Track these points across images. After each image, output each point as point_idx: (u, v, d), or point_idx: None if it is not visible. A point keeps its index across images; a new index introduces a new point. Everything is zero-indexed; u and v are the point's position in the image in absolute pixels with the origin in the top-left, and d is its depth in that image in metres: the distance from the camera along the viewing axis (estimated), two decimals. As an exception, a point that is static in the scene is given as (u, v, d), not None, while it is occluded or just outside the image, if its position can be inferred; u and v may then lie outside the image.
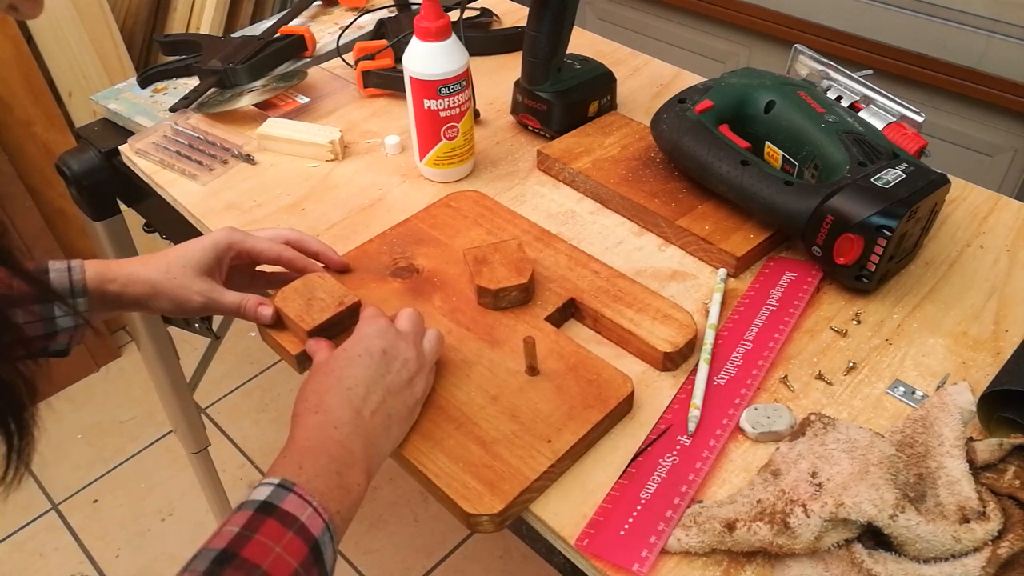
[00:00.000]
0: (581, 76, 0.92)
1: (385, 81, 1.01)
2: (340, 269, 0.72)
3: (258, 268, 0.72)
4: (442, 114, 0.81)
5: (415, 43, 0.79)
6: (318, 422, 0.53)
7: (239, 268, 0.70)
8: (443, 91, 0.79)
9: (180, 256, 0.65)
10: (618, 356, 0.67)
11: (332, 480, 0.49)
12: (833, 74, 0.87)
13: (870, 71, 0.87)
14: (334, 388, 0.55)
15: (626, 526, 0.54)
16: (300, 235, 0.71)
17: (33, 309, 0.61)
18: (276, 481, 0.47)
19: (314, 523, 0.46)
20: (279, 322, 0.66)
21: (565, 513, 0.56)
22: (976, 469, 0.55)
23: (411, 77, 0.80)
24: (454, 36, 0.79)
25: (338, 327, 0.66)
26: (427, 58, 0.78)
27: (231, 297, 0.66)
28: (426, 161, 0.86)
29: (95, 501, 1.66)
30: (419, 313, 0.63)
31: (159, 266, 0.65)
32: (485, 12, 1.18)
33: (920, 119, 0.81)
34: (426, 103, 0.80)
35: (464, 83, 0.81)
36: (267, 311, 0.65)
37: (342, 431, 0.52)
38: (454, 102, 0.81)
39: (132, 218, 1.08)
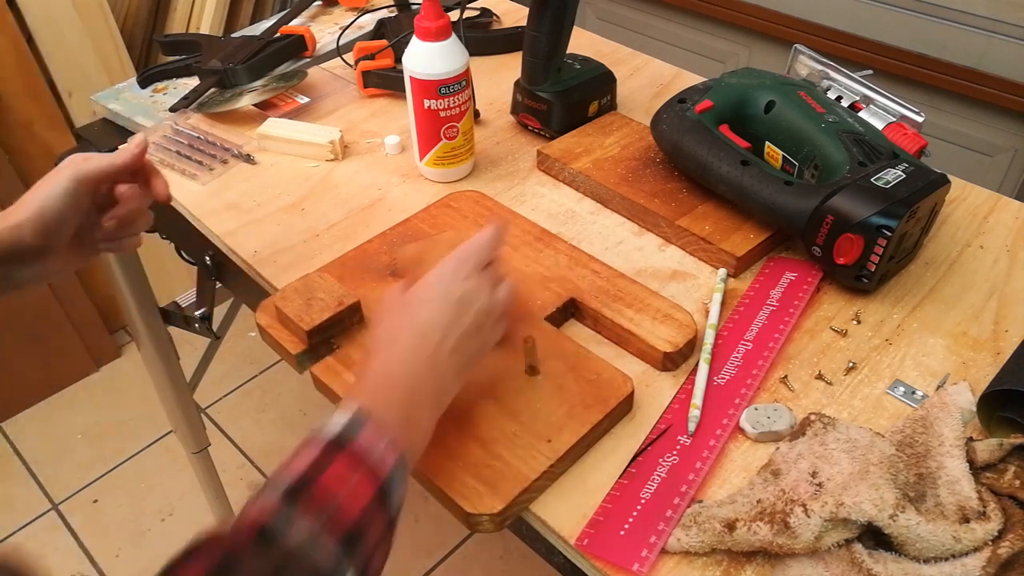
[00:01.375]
0: (581, 76, 0.92)
1: (385, 81, 1.01)
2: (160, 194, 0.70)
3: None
4: (442, 114, 0.81)
5: (415, 43, 0.79)
6: (392, 360, 0.53)
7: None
8: (443, 91, 0.79)
9: (37, 211, 0.62)
10: (618, 356, 0.67)
11: (403, 418, 0.49)
12: (833, 74, 0.87)
13: (870, 71, 0.87)
14: (408, 329, 0.54)
15: (626, 526, 0.54)
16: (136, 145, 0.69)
17: None
18: (349, 414, 0.47)
19: (384, 461, 0.46)
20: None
21: (565, 513, 0.56)
22: (976, 469, 0.55)
23: (411, 77, 0.80)
24: (454, 36, 0.79)
25: (338, 327, 0.66)
26: (427, 58, 0.78)
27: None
28: (426, 161, 0.86)
29: (95, 501, 1.66)
30: (498, 259, 0.62)
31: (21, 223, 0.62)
32: (485, 12, 1.18)
33: (920, 119, 0.81)
34: (426, 103, 0.80)
35: (464, 83, 0.81)
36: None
37: (414, 370, 0.52)
38: (454, 102, 0.81)
39: (132, 218, 1.08)
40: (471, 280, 0.57)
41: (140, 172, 0.69)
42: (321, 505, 0.42)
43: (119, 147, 0.67)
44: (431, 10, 0.77)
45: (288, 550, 0.40)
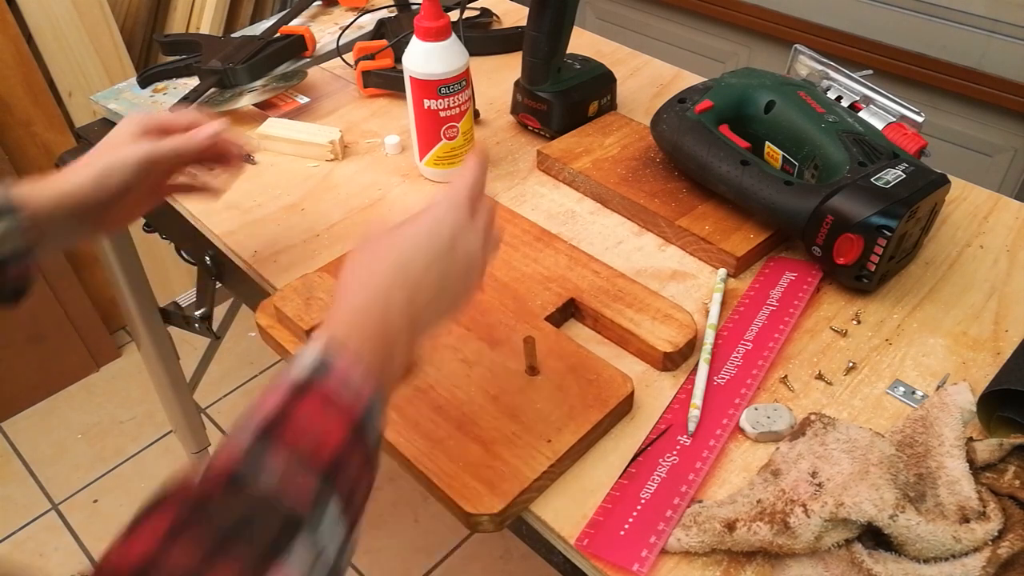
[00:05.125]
0: (581, 76, 0.92)
1: (385, 81, 1.01)
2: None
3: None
4: (442, 114, 0.81)
5: (415, 43, 0.79)
6: (368, 290, 0.49)
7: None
8: (443, 91, 0.79)
9: (100, 175, 0.65)
10: (618, 356, 0.67)
11: (378, 350, 0.47)
12: (833, 74, 0.87)
13: (870, 71, 0.87)
14: (388, 259, 0.51)
15: (626, 526, 0.54)
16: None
17: None
18: (320, 348, 0.44)
19: (360, 394, 0.43)
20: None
21: (565, 513, 0.56)
22: (976, 469, 0.55)
23: (411, 77, 0.80)
24: (454, 36, 0.79)
25: (338, 327, 0.66)
26: (427, 58, 0.78)
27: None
28: (426, 161, 0.86)
29: (95, 501, 1.66)
30: (494, 203, 0.59)
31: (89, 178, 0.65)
32: (485, 12, 1.18)
33: (920, 119, 0.81)
34: (426, 103, 0.80)
35: (464, 83, 0.81)
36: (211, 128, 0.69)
37: (392, 302, 0.49)
38: (454, 102, 0.81)
39: (132, 218, 1.08)
40: (465, 221, 0.54)
41: (211, 149, 0.71)
42: (294, 444, 0.40)
43: (189, 123, 0.70)
44: (431, 10, 0.77)
45: (260, 494, 0.38)
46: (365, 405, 0.44)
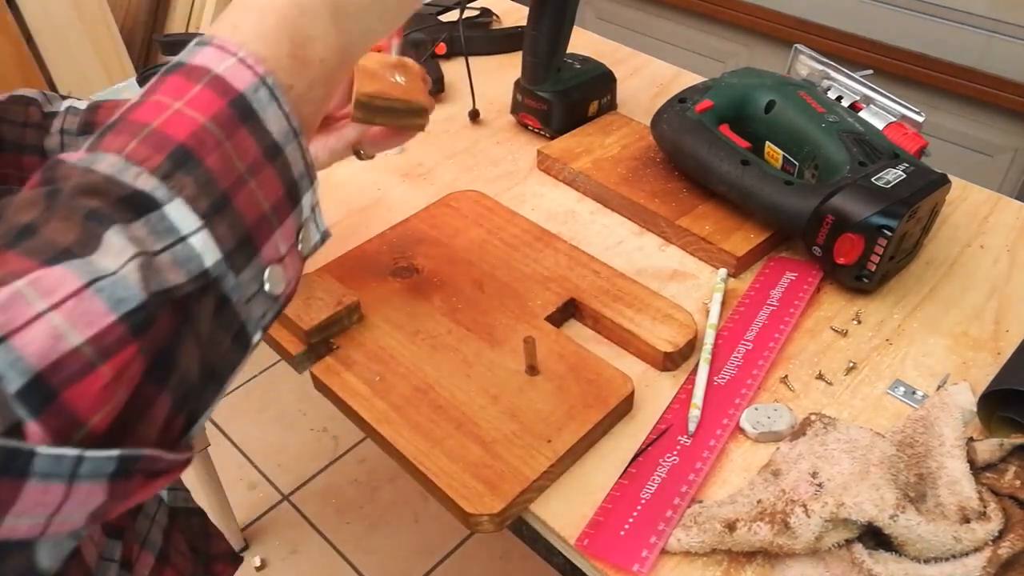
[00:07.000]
0: (581, 76, 0.92)
1: (385, 81, 1.01)
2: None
3: None
4: None
5: None
6: None
7: None
8: None
9: None
10: (618, 356, 0.67)
11: (280, 47, 0.37)
12: (833, 74, 0.87)
13: (870, 71, 0.87)
14: None
15: (626, 526, 0.54)
16: None
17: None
18: (194, 42, 0.36)
19: (239, 75, 0.34)
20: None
21: (565, 513, 0.56)
22: (977, 469, 0.55)
23: None
24: None
25: (337, 326, 0.66)
26: None
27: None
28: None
29: (95, 501, 1.66)
30: None
31: None
32: (485, 12, 1.18)
33: (920, 119, 0.81)
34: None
35: None
36: None
37: None
38: None
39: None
40: None
41: None
42: (133, 131, 0.32)
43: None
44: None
45: (87, 177, 0.31)
46: (252, 82, 0.34)
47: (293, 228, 0.37)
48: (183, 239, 0.31)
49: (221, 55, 0.34)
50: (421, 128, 0.61)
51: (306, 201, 0.37)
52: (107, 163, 0.31)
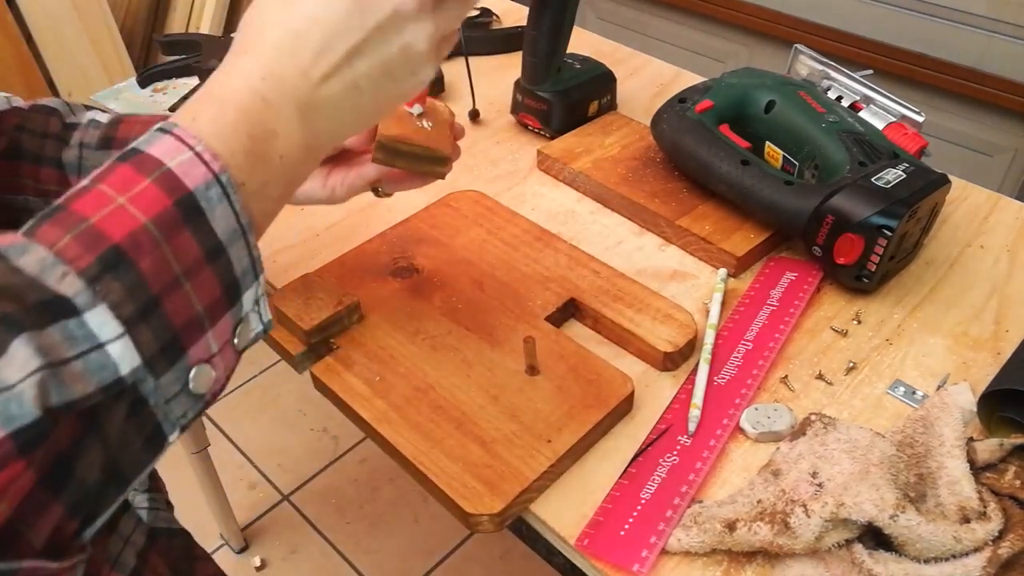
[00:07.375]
0: (581, 76, 0.92)
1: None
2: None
3: None
4: None
5: None
6: (243, 68, 0.37)
7: None
8: None
9: None
10: (618, 356, 0.67)
11: (237, 141, 0.35)
12: (833, 74, 0.87)
13: (870, 71, 0.87)
14: (278, 28, 0.38)
15: (626, 526, 0.54)
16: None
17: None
18: (156, 126, 0.34)
19: (191, 171, 0.33)
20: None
21: (565, 513, 0.56)
22: (977, 469, 0.55)
23: None
24: None
25: (337, 326, 0.66)
26: None
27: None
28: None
29: (95, 501, 1.66)
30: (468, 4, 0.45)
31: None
32: (485, 12, 1.18)
33: (920, 119, 0.81)
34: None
35: None
36: None
37: (271, 87, 0.37)
38: None
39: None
40: (415, 4, 0.40)
41: None
42: (69, 224, 0.30)
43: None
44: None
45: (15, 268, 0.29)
46: (206, 180, 0.33)
47: (229, 326, 0.36)
48: (100, 346, 0.30)
49: (178, 147, 0.33)
50: (442, 176, 0.61)
51: (248, 297, 0.36)
52: (35, 258, 0.30)
